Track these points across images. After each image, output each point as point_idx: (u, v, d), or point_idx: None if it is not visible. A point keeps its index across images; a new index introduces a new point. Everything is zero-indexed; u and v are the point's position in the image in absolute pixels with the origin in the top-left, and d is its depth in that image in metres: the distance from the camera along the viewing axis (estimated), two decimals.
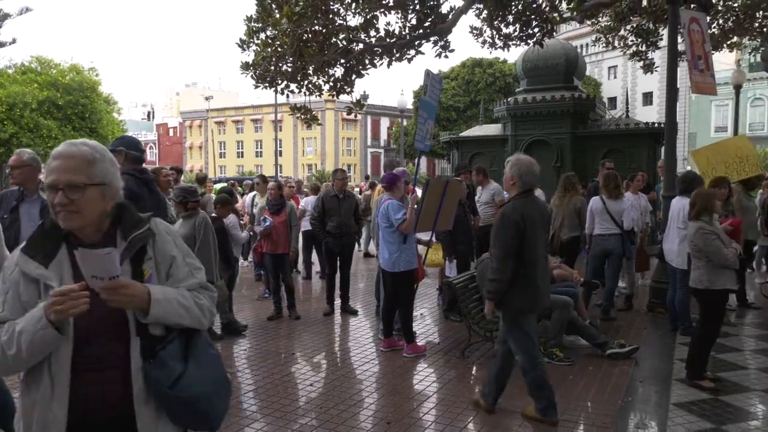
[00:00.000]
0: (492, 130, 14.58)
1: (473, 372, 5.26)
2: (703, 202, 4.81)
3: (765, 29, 11.72)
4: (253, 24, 8.45)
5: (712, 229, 4.69)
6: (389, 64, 8.88)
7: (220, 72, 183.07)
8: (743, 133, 13.67)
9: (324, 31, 8.10)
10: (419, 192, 7.83)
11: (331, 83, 9.07)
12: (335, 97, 9.60)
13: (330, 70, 8.88)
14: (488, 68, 38.61)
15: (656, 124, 12.94)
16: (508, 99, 14.02)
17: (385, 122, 62.37)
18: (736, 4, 12.41)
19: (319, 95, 9.40)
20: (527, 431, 3.98)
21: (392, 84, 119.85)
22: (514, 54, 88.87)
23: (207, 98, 48.65)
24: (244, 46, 8.59)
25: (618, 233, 6.77)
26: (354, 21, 8.44)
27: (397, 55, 8.84)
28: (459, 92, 39.04)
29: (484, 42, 10.02)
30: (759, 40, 12.28)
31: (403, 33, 8.95)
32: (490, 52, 15.10)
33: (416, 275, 5.93)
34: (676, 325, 6.24)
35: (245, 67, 8.62)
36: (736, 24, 12.57)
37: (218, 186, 13.34)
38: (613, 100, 42.06)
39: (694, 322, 5.73)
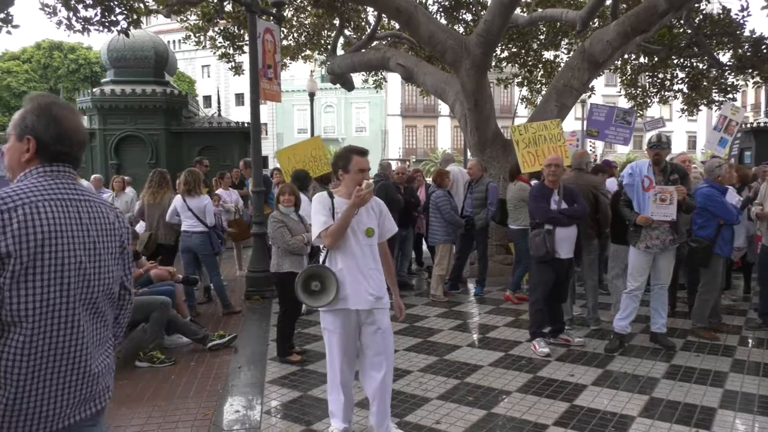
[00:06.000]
0: None
1: None
2: (277, 197, 5.47)
3: (329, 46, 13.79)
4: None
5: (281, 218, 5.33)
6: None
7: None
8: (319, 135, 15.80)
9: None
10: None
11: None
12: None
13: None
14: (70, 53, 34.68)
15: (247, 124, 13.87)
16: (94, 90, 13.00)
17: None
18: (307, 22, 14.26)
19: None
20: None
21: None
22: (100, 40, 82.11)
23: None
24: None
25: (201, 230, 6.83)
26: None
27: None
28: (34, 77, 33.95)
29: (59, 23, 8.94)
30: (325, 55, 14.37)
31: None
32: (68, 35, 13.63)
33: None
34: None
35: None
36: (308, 39, 14.47)
37: None
38: (208, 99, 43.22)
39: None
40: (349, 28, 14.10)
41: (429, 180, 9.88)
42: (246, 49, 11.94)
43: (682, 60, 13.07)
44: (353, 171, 3.48)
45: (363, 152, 3.56)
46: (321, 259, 3.53)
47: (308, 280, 3.45)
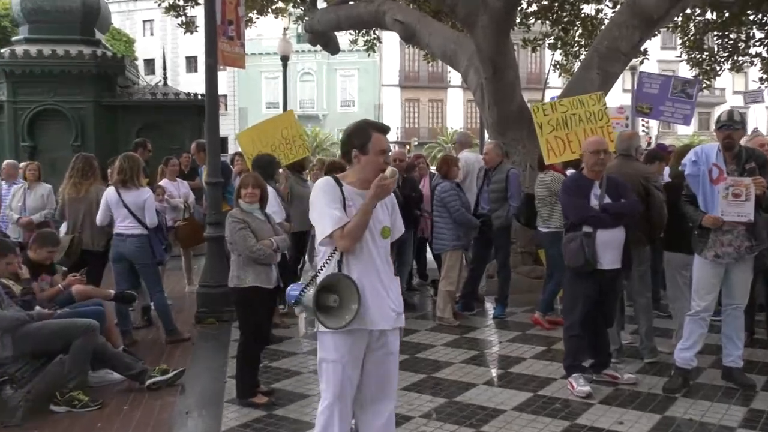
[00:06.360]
0: None
1: None
2: (238, 190, 5.42)
3: None
4: None
5: (243, 217, 5.27)
6: None
7: None
8: (292, 110, 15.80)
9: None
10: None
11: None
12: None
13: None
14: None
15: (201, 96, 13.78)
16: (2, 50, 13.06)
17: None
18: None
19: None
20: None
21: None
22: None
23: None
24: None
25: (139, 233, 6.75)
26: None
27: None
28: None
29: None
30: (302, 8, 14.29)
31: None
32: None
33: None
34: None
35: None
36: None
37: None
38: (151, 63, 43.14)
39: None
40: None
41: (434, 169, 9.79)
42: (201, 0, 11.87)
43: (759, 16, 13.04)
44: (373, 152, 3.40)
45: (384, 129, 3.53)
46: (335, 267, 3.37)
47: (323, 294, 3.28)
